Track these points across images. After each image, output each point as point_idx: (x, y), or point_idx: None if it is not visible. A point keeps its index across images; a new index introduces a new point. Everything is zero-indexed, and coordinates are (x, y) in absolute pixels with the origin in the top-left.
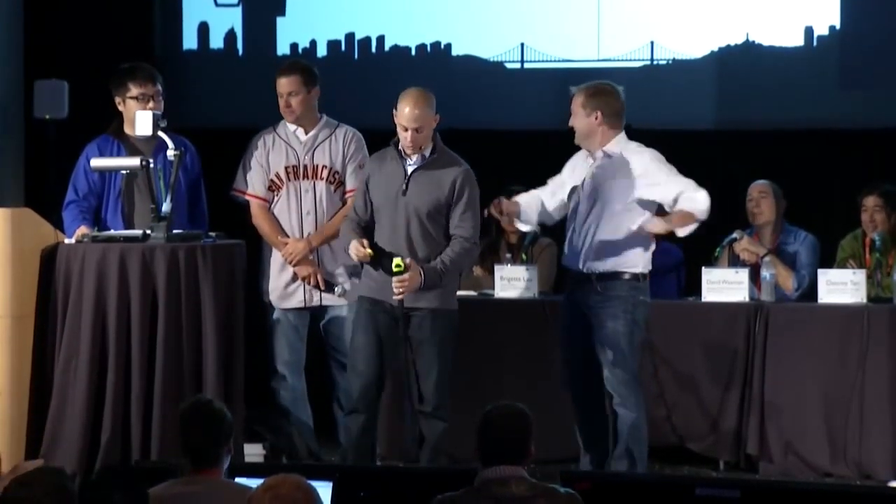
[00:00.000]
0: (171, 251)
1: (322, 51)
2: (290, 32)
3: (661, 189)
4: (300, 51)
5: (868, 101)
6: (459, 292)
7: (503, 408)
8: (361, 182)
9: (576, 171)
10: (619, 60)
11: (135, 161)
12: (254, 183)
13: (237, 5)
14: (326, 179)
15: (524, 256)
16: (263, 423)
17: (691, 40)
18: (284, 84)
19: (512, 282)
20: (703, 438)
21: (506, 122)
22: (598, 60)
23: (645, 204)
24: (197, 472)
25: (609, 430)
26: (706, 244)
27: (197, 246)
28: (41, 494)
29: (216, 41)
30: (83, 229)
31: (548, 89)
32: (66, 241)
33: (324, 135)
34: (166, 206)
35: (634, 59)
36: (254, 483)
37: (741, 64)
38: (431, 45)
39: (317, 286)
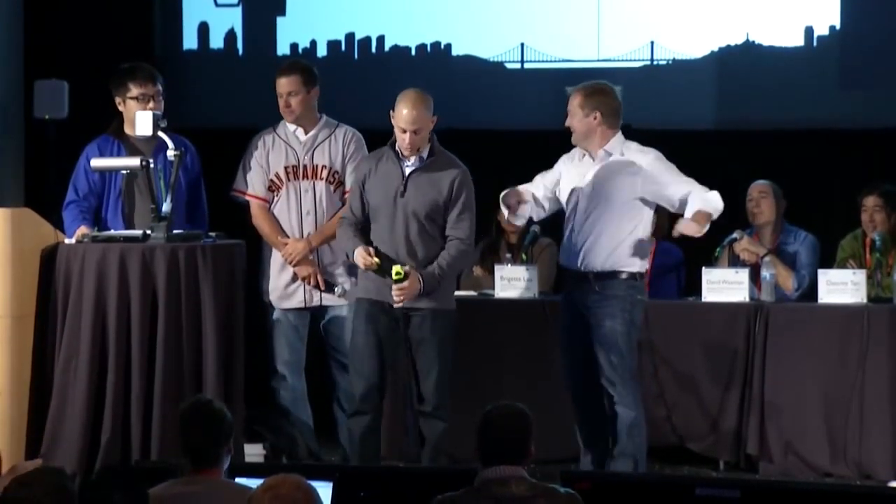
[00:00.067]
0: (171, 251)
1: (322, 51)
2: (290, 32)
3: (669, 189)
4: (300, 51)
5: (868, 101)
6: (459, 292)
7: (503, 408)
8: (356, 182)
9: (572, 170)
10: (619, 60)
11: (135, 161)
12: (254, 183)
13: (237, 5)
14: (326, 179)
15: (524, 256)
16: (263, 423)
17: (691, 40)
18: (284, 84)
19: (512, 282)
20: (703, 438)
21: (506, 122)
22: (598, 60)
23: (647, 203)
24: (197, 472)
25: (609, 429)
26: (706, 244)
27: (197, 246)
28: (41, 494)
29: (216, 41)
30: (83, 229)
31: (548, 89)
32: (66, 241)
33: (323, 135)
34: (166, 206)
35: (634, 59)
36: (254, 483)
37: (741, 64)
38: (431, 45)
39: (317, 286)
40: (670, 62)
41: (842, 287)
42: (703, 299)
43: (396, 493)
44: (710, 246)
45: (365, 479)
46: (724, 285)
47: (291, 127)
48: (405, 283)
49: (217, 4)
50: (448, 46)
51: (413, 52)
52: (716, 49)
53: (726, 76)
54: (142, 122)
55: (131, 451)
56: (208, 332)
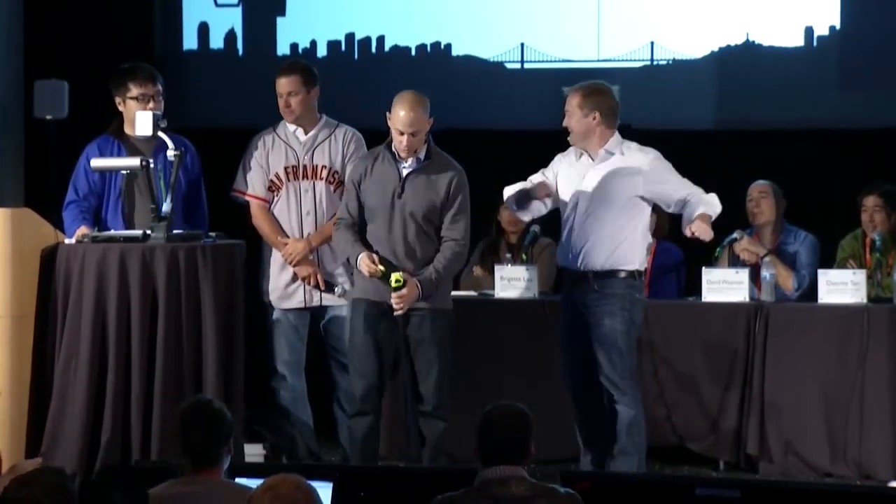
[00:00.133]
0: (171, 251)
1: (322, 51)
2: (290, 32)
3: (669, 189)
4: (300, 51)
5: (868, 101)
6: (460, 292)
7: (503, 408)
8: (351, 182)
9: (570, 170)
10: (619, 60)
11: (135, 161)
12: (253, 183)
13: (237, 5)
14: (326, 179)
15: (524, 256)
16: (263, 423)
17: (691, 40)
18: (284, 84)
19: (512, 282)
20: (703, 438)
21: (506, 122)
22: (598, 60)
23: (646, 202)
24: (197, 472)
25: (609, 429)
26: (706, 244)
27: (197, 246)
28: (41, 494)
29: (216, 41)
30: (83, 229)
31: (548, 89)
32: (67, 241)
33: (323, 135)
34: (166, 207)
35: (634, 59)
36: (254, 483)
37: (741, 64)
38: (431, 45)
39: (317, 286)
40: (670, 62)
41: (842, 287)
42: (703, 299)
43: (396, 493)
44: (710, 246)
45: (365, 479)
46: (724, 285)
47: (291, 127)
48: (404, 291)
49: (217, 4)
50: (448, 46)
51: (413, 52)
52: (716, 49)
53: (726, 76)
54: (142, 122)
55: (131, 451)
56: (208, 332)
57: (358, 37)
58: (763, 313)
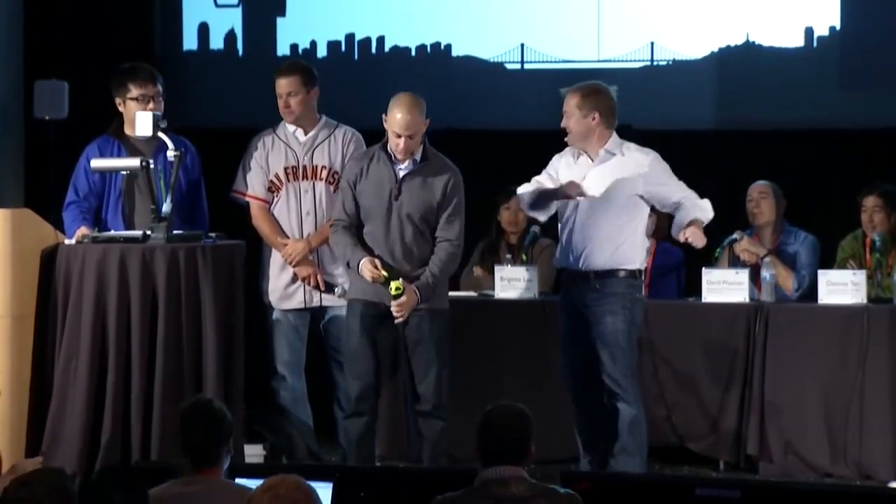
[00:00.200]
0: (171, 251)
1: (322, 51)
2: (290, 33)
3: (666, 191)
4: (300, 51)
5: (868, 101)
6: (460, 293)
7: (503, 408)
8: (347, 183)
9: (570, 170)
10: (619, 61)
11: (135, 162)
12: (253, 184)
13: (237, 6)
14: (326, 180)
15: (524, 257)
16: (263, 424)
17: (691, 40)
18: (283, 84)
19: (512, 282)
20: (703, 438)
21: (506, 123)
22: (598, 61)
23: (645, 201)
24: (197, 472)
25: (608, 432)
26: (706, 245)
27: (197, 246)
28: (41, 494)
29: (216, 41)
30: (83, 230)
31: (548, 90)
32: (67, 241)
33: (323, 135)
34: (166, 207)
35: (634, 60)
36: (254, 483)
37: (741, 64)
38: (431, 45)
39: (317, 287)
40: (670, 62)
41: (842, 287)
42: (704, 300)
43: (396, 493)
44: (710, 246)
45: (365, 479)
46: (724, 286)
47: (291, 128)
48: (403, 298)
49: (217, 5)
50: (448, 47)
51: (413, 53)
52: (716, 49)
53: (726, 76)
54: (142, 122)
55: (131, 451)
56: (208, 332)
57: (358, 37)
58: (763, 314)
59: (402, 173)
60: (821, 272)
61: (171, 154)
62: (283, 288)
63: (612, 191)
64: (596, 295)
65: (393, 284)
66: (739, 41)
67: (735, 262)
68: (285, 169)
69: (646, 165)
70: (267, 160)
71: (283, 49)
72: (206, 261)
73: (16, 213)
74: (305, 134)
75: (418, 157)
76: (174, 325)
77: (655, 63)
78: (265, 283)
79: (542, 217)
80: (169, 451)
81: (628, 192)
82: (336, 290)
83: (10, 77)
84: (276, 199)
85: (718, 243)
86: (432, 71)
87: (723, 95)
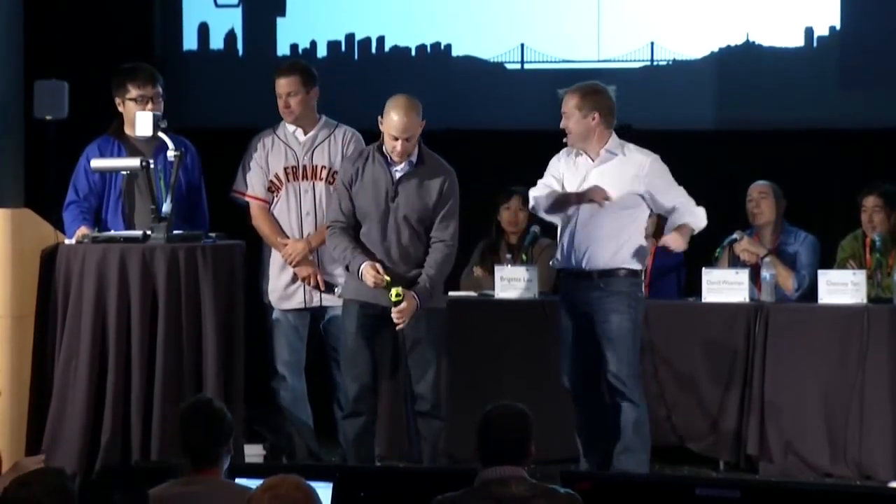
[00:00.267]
0: (171, 251)
1: (322, 51)
2: (290, 33)
3: (664, 194)
4: (300, 51)
5: (868, 101)
6: (460, 293)
7: (503, 408)
8: (342, 184)
9: (571, 171)
10: (619, 61)
11: (135, 162)
12: (253, 184)
13: (237, 6)
14: (326, 180)
15: (524, 257)
16: (263, 424)
17: (691, 40)
18: (283, 84)
19: (512, 282)
20: (703, 438)
21: (506, 123)
22: (598, 61)
23: (645, 201)
24: (197, 472)
25: (609, 433)
26: (706, 245)
27: (197, 246)
28: (41, 494)
29: (216, 41)
30: (83, 230)
31: (548, 90)
32: (67, 241)
33: (323, 135)
34: (166, 207)
35: (634, 60)
36: (254, 483)
37: (741, 64)
38: (431, 45)
39: (317, 287)
40: (670, 62)
41: (842, 287)
42: (704, 300)
43: (396, 493)
44: (710, 246)
45: (365, 479)
46: (724, 286)
47: (291, 128)
48: (403, 305)
49: (217, 5)
50: (448, 47)
51: (413, 53)
52: (716, 49)
53: (726, 76)
54: (142, 122)
55: (131, 451)
56: (208, 332)
57: (358, 37)
58: (763, 314)
59: (398, 175)
60: (821, 272)
61: (171, 154)
62: (283, 288)
63: (614, 191)
64: (599, 294)
65: (393, 291)
66: (739, 41)
67: (735, 262)
68: (285, 169)
69: (646, 166)
70: (267, 160)
71: (283, 49)
72: (206, 261)
73: (16, 213)
74: (305, 134)
75: (414, 158)
76: (174, 325)
77: (655, 63)
78: (265, 283)
79: (559, 220)
80: (169, 451)
81: (630, 192)
82: (336, 290)
83: (10, 77)
84: (275, 200)
85: (718, 243)
86: (432, 71)
87: (723, 95)
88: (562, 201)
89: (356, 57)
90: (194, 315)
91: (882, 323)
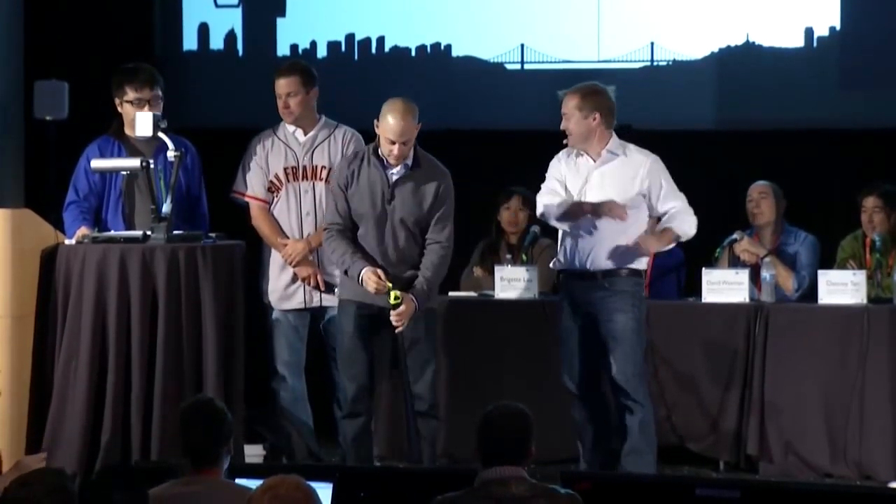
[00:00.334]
0: (171, 252)
1: (322, 52)
2: (290, 33)
3: (661, 196)
4: (300, 51)
5: (868, 101)
6: (460, 293)
7: (503, 408)
8: (338, 186)
9: (573, 172)
10: (619, 61)
11: (135, 162)
12: (253, 184)
13: (237, 6)
14: (326, 180)
15: (524, 257)
16: (263, 424)
17: (691, 41)
18: (283, 85)
19: (512, 282)
20: (703, 438)
21: (506, 123)
22: (598, 61)
23: (645, 201)
24: (197, 472)
25: (611, 432)
26: (706, 245)
27: (197, 246)
28: (41, 494)
29: (216, 42)
30: (83, 230)
31: (548, 90)
32: (67, 241)
33: (322, 135)
34: (166, 207)
35: (634, 60)
36: (254, 484)
37: (741, 64)
38: (431, 45)
39: (317, 287)
40: (670, 63)
41: (842, 288)
42: (704, 300)
43: (396, 493)
44: (711, 247)
45: (365, 479)
46: (724, 286)
47: (291, 128)
48: (402, 308)
49: (217, 5)
50: (448, 47)
51: (413, 53)
52: (716, 49)
53: (726, 76)
54: (142, 123)
55: (131, 451)
56: (208, 332)
57: (358, 37)
58: (763, 314)
59: (394, 178)
60: (821, 272)
61: (171, 154)
62: (283, 288)
63: (615, 191)
64: (603, 293)
65: (392, 294)
66: (739, 41)
67: (735, 263)
68: (285, 169)
69: (647, 166)
70: (267, 160)
71: (283, 49)
72: (206, 261)
73: (16, 213)
74: (305, 134)
75: (409, 161)
76: (174, 325)
77: (655, 63)
78: (265, 283)
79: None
80: (169, 451)
81: (631, 192)
82: (336, 290)
83: (10, 77)
84: (275, 200)
85: (718, 243)
86: (432, 71)
87: (723, 95)
88: (574, 212)
89: (356, 57)
90: (194, 315)
91: (882, 323)
